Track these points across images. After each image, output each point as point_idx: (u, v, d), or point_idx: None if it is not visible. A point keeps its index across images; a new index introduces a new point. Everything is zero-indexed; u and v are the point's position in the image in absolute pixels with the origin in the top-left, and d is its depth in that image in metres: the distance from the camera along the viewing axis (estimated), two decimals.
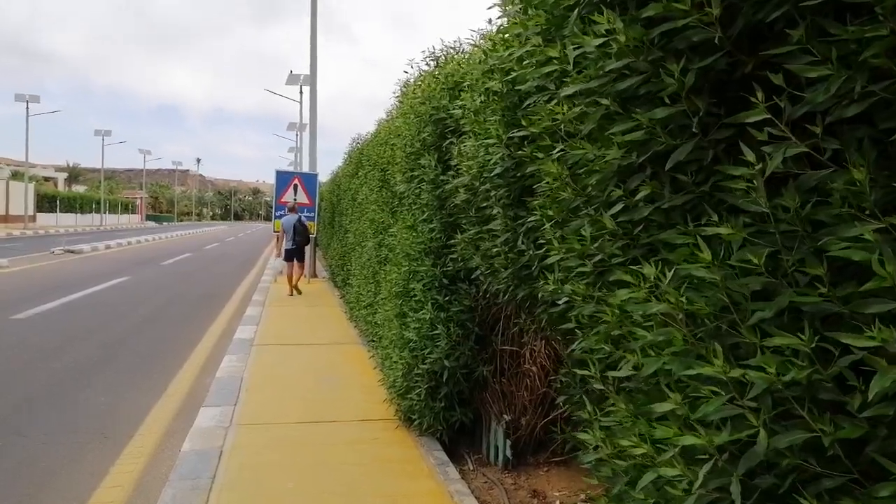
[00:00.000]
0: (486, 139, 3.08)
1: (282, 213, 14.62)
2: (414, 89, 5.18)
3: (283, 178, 14.96)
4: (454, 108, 4.06)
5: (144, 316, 10.54)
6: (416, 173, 4.70)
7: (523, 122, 2.72)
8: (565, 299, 2.33)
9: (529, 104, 2.72)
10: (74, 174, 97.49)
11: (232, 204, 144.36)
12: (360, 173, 9.87)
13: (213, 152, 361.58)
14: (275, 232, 14.95)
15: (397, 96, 6.76)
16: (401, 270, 4.82)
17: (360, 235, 8.85)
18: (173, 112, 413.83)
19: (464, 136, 3.85)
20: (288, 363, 6.83)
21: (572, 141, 2.05)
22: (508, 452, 4.04)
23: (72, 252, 24.40)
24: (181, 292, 13.78)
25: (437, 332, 4.15)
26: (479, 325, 4.20)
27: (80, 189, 79.78)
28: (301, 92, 36.54)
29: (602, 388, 1.97)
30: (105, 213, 66.92)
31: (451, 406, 4.28)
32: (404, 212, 5.41)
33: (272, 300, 11.91)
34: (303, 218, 13.35)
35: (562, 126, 2.10)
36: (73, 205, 61.26)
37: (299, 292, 12.63)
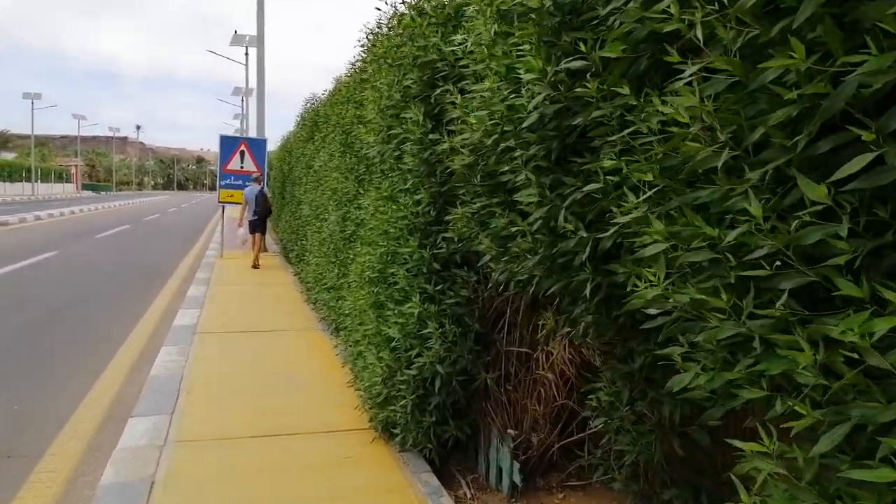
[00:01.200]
0: (519, 74, 2.21)
1: (227, 182, 13.43)
2: (391, 28, 4.24)
3: (229, 144, 13.69)
4: (450, 46, 3.18)
5: (70, 298, 9.33)
6: (395, 132, 3.80)
7: (581, 48, 1.88)
8: (664, 309, 1.53)
9: (591, 20, 1.88)
10: (3, 141, 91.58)
11: (175, 173, 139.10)
12: (316, 137, 8.85)
13: (154, 119, 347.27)
14: (220, 202, 13.74)
15: (364, 45, 5.81)
16: (376, 251, 3.94)
17: (319, 207, 7.88)
18: (112, 76, 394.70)
19: (465, 82, 2.99)
20: (237, 356, 5.89)
21: (716, 57, 1.22)
22: (517, 477, 3.26)
23: None
24: (115, 269, 12.51)
25: (426, 329, 3.31)
26: (480, 321, 3.38)
27: (9, 156, 74.90)
28: (247, 53, 34.58)
29: (777, 470, 1.18)
30: (37, 182, 62.99)
31: (443, 419, 3.47)
32: (378, 180, 4.51)
33: (218, 278, 10.83)
34: (265, 189, 12.80)
35: (696, 31, 1.27)
36: (1, 173, 57.33)
37: (256, 266, 12.10)
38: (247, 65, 35.19)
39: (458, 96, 2.90)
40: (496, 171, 2.68)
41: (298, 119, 11.36)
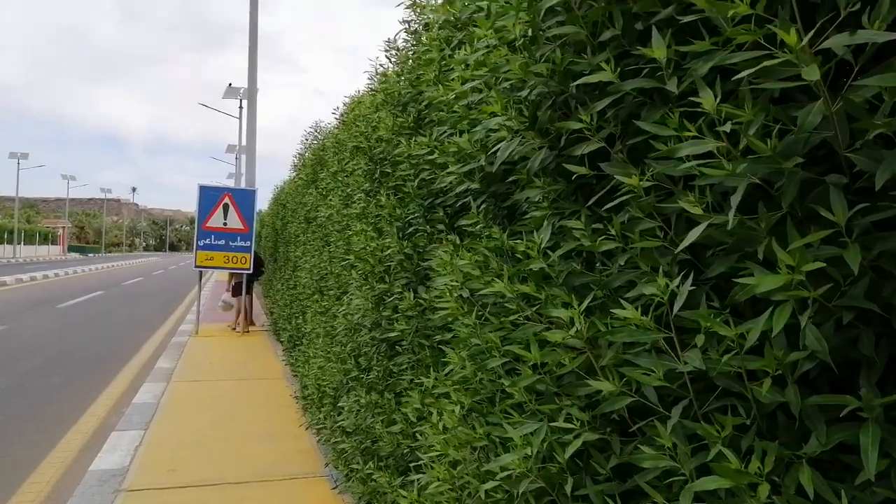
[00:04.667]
0: None
1: (206, 241, 10.88)
2: None
3: (210, 196, 11.19)
4: None
5: None
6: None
7: None
8: None
9: None
10: None
11: (168, 234, 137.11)
12: (321, 177, 6.35)
13: (151, 182, 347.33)
14: (197, 267, 11.14)
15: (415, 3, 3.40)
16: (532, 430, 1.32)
17: (325, 277, 5.30)
18: (113, 142, 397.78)
19: None
20: None
21: None
22: None
23: None
24: (57, 354, 9.75)
25: None
26: None
27: None
28: (241, 106, 32.81)
29: None
30: (19, 243, 60.30)
31: None
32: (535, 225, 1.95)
33: (185, 368, 8.11)
34: (256, 250, 11.54)
35: None
36: None
37: (246, 331, 11.52)
38: (240, 118, 33.32)
39: None
40: None
41: (296, 160, 8.90)
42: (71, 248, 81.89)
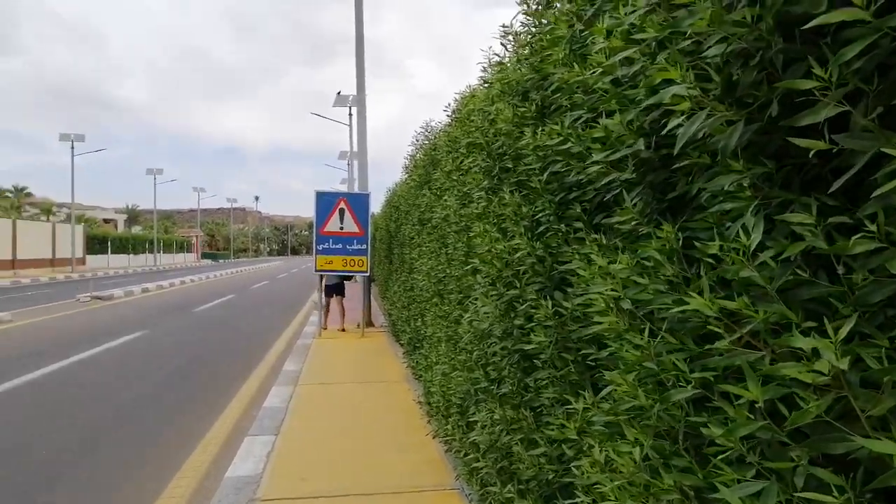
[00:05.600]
0: None
1: (324, 245, 11.13)
2: None
3: (326, 201, 11.44)
4: None
5: (100, 420, 7.03)
6: None
7: None
8: None
9: None
10: (133, 216, 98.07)
11: (289, 239, 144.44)
12: (434, 178, 6.18)
13: (271, 189, 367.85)
14: (316, 271, 11.43)
15: None
16: None
17: (444, 280, 5.11)
18: (234, 153, 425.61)
19: None
20: None
21: None
22: None
23: (100, 298, 21.62)
24: (192, 358, 10.30)
25: None
26: None
27: (136, 230, 79.65)
28: (350, 114, 33.69)
29: None
30: (159, 252, 65.74)
31: None
32: None
33: (310, 370, 8.27)
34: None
35: None
36: (126, 245, 60.08)
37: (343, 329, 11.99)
38: (350, 125, 34.26)
39: None
40: None
41: (406, 162, 8.83)
42: (204, 255, 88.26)
